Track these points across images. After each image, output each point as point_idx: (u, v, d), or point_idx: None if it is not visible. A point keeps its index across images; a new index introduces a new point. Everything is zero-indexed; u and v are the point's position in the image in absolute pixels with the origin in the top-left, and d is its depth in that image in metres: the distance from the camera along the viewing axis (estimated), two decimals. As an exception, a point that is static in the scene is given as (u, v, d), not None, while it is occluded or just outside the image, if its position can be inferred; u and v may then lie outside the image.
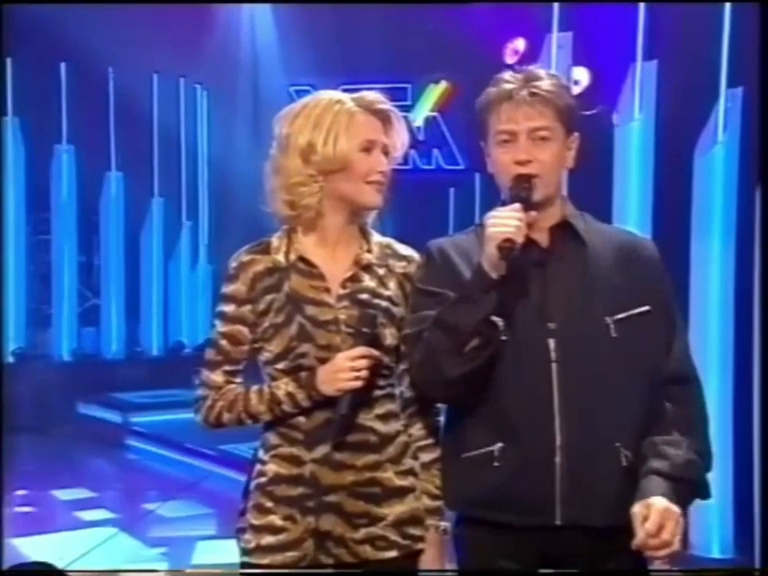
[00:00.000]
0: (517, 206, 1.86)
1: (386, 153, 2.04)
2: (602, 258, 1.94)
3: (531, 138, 1.91)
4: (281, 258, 2.04)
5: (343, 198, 2.02)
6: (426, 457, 2.07)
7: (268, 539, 2.00)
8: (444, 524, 2.05)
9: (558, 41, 4.91)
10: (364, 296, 2.02)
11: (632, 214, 4.67)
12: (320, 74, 7.60)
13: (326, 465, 1.99)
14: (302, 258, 2.03)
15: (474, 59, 6.26)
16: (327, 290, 2.02)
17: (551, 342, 1.90)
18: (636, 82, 4.68)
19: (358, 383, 1.94)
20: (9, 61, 7.82)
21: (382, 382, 2.03)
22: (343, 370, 1.94)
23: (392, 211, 2.11)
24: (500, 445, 1.90)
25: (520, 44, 6.57)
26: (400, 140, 2.07)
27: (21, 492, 5.89)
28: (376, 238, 2.09)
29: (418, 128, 7.74)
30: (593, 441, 1.88)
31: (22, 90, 7.95)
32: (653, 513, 1.75)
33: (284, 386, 1.99)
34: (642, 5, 4.73)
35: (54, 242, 8.25)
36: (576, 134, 1.97)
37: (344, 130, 2.00)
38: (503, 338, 1.88)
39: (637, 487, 1.83)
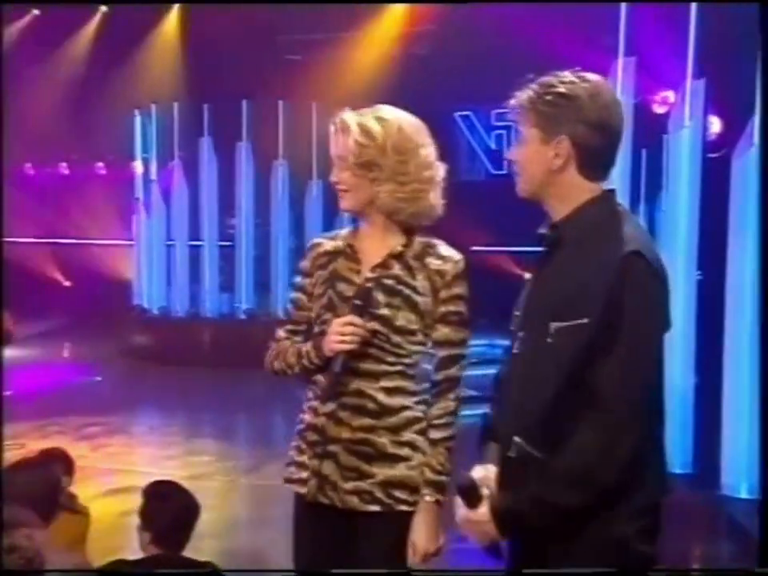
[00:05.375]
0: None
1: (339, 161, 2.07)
2: (572, 266, 1.77)
3: (516, 140, 1.87)
4: (340, 243, 2.14)
5: None
6: (436, 434, 2.05)
7: (297, 474, 2.11)
8: (437, 497, 2.03)
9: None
10: (389, 281, 2.05)
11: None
12: (478, 100, 7.96)
13: (331, 419, 2.05)
14: (349, 245, 2.12)
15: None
16: (358, 272, 2.09)
17: (520, 335, 1.84)
18: (618, 79, 4.87)
19: (345, 346, 1.98)
20: (244, 102, 9.13)
21: (390, 359, 2.03)
22: (334, 333, 2.00)
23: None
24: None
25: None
26: (338, 150, 2.05)
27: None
28: (420, 237, 2.11)
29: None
30: (508, 430, 1.81)
31: (248, 123, 9.15)
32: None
33: (306, 345, 2.09)
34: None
35: (273, 231, 9.18)
36: (561, 137, 1.77)
37: None
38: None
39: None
